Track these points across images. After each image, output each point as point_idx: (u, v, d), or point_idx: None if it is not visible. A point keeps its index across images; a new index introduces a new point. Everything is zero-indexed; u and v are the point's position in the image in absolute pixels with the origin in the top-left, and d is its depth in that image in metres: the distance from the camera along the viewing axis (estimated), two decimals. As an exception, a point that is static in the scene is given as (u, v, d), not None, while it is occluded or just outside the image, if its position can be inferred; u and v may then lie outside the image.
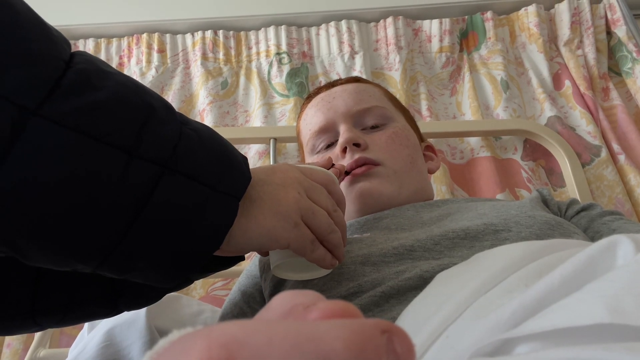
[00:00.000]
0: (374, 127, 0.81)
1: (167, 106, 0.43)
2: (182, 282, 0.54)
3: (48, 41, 0.36)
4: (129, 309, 0.55)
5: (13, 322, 0.49)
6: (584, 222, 0.71)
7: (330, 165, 0.69)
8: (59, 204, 0.34)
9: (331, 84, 0.90)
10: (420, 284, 0.50)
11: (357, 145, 0.76)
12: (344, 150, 0.76)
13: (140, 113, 0.39)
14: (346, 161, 0.75)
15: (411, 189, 0.77)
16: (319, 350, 0.13)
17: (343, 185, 0.76)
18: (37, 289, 0.49)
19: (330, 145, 0.82)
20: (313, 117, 0.85)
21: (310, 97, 0.91)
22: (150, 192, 0.38)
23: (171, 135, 0.40)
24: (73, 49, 0.39)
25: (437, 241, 0.58)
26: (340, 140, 0.77)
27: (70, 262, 0.38)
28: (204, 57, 1.63)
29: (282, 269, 0.56)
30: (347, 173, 0.74)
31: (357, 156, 0.74)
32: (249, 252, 0.49)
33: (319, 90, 0.90)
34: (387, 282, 0.53)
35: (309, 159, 0.85)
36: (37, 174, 0.33)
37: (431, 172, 0.87)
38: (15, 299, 0.48)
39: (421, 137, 0.91)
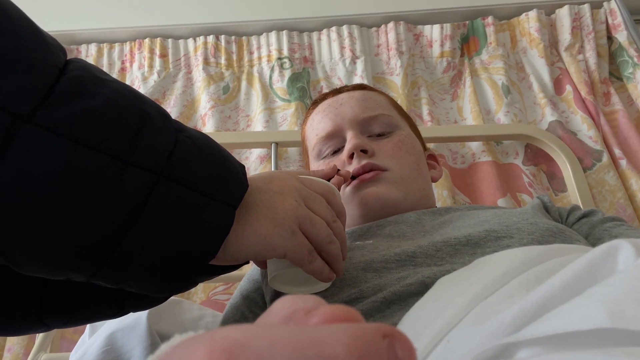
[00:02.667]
0: (380, 135, 0.82)
1: (163, 114, 0.42)
2: (185, 285, 0.54)
3: (42, 48, 0.36)
4: (135, 310, 0.55)
5: (21, 323, 0.49)
6: (585, 228, 0.70)
7: (335, 172, 0.69)
8: (52, 211, 0.34)
9: (337, 91, 0.90)
10: (422, 289, 0.50)
11: (364, 151, 0.76)
12: (351, 156, 0.76)
13: (134, 120, 0.39)
14: (353, 167, 0.75)
15: (416, 196, 0.77)
16: (320, 355, 0.13)
17: (349, 190, 0.76)
18: (45, 291, 0.49)
19: (336, 152, 0.83)
20: (320, 123, 0.85)
21: (316, 103, 0.92)
22: (144, 200, 0.37)
23: (166, 143, 0.40)
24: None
25: (439, 247, 0.58)
26: (348, 146, 0.77)
27: (63, 271, 0.37)
28: (206, 62, 1.63)
29: (279, 280, 0.55)
30: (353, 178, 0.74)
31: (364, 162, 0.75)
32: (245, 260, 0.49)
33: (325, 96, 0.91)
34: (388, 287, 0.53)
35: (315, 164, 0.85)
36: (30, 182, 0.33)
37: (434, 180, 0.88)
38: (24, 300, 0.48)
39: (424, 146, 0.92)
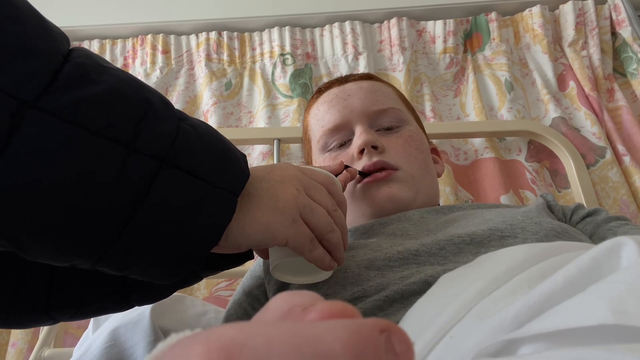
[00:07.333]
0: (388, 129, 0.80)
1: (165, 102, 0.43)
2: (190, 278, 0.54)
3: (46, 36, 0.37)
4: (140, 304, 0.56)
5: (28, 317, 0.49)
6: (589, 228, 0.70)
7: (342, 169, 0.68)
8: (57, 197, 0.34)
9: (344, 79, 0.88)
10: (424, 288, 0.50)
11: (374, 147, 0.75)
12: (361, 152, 0.75)
13: (137, 108, 0.39)
14: (363, 163, 0.74)
15: (426, 195, 0.77)
16: (317, 352, 0.13)
17: (359, 187, 0.75)
18: (52, 285, 0.49)
19: (342, 145, 0.81)
20: (326, 114, 0.82)
21: (321, 92, 0.89)
22: (148, 187, 0.38)
23: (169, 130, 0.41)
24: None
25: (442, 246, 0.58)
26: (358, 142, 0.75)
27: (69, 257, 0.38)
28: (208, 58, 1.63)
29: (281, 270, 0.56)
30: (363, 174, 0.74)
31: (375, 159, 0.73)
32: (246, 248, 0.49)
33: (330, 85, 0.88)
34: (391, 286, 0.52)
35: (319, 156, 0.83)
36: (36, 167, 0.33)
37: (438, 176, 0.87)
38: (31, 294, 0.49)
39: (428, 140, 0.91)
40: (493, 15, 1.67)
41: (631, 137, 1.45)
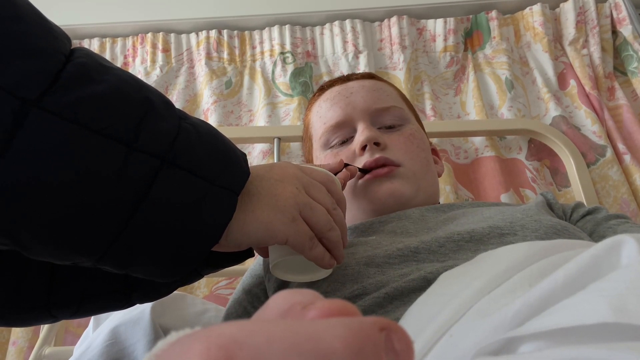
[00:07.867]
0: (390, 127, 0.80)
1: (166, 101, 0.43)
2: (191, 276, 0.54)
3: (48, 35, 0.37)
4: (141, 302, 0.56)
5: (29, 314, 0.50)
6: (589, 226, 0.70)
7: (342, 167, 0.69)
8: (59, 196, 0.34)
9: (346, 78, 0.88)
10: (424, 285, 0.50)
11: (376, 144, 0.75)
12: (363, 148, 0.75)
13: (138, 107, 0.39)
14: (364, 159, 0.74)
15: (427, 192, 0.77)
16: (317, 350, 0.13)
17: (361, 184, 0.75)
18: (53, 282, 0.50)
19: (344, 142, 0.81)
20: (329, 111, 0.83)
21: (323, 89, 0.89)
22: (149, 185, 0.38)
23: (170, 129, 0.41)
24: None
25: (442, 243, 0.58)
26: (361, 138, 0.76)
27: (70, 255, 0.38)
28: (208, 56, 1.63)
29: (280, 268, 0.56)
30: (363, 171, 0.74)
31: (377, 155, 0.74)
32: (247, 247, 0.50)
33: (332, 83, 0.88)
34: (391, 283, 0.53)
35: (321, 153, 0.83)
36: (37, 166, 0.33)
37: (438, 175, 0.87)
38: (32, 291, 0.49)
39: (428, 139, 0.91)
40: (493, 13, 1.66)
41: (631, 136, 1.45)
